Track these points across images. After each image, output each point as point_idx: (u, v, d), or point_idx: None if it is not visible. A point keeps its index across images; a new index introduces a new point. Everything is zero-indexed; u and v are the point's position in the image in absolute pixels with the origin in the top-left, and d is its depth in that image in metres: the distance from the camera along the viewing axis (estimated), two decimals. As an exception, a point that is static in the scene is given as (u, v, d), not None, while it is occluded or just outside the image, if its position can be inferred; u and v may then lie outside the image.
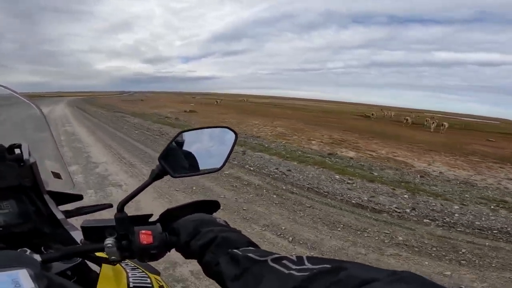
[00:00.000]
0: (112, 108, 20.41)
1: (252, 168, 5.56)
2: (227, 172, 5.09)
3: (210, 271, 0.44)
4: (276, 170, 5.57)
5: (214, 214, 0.58)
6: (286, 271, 0.33)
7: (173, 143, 0.58)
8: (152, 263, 0.68)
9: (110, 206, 0.74)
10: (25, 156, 0.61)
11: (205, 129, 0.66)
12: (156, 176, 0.54)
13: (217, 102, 35.12)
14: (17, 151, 0.63)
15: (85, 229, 0.53)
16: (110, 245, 0.50)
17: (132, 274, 0.70)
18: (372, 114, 26.62)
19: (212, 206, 0.61)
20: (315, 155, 7.70)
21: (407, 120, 22.91)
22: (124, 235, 0.51)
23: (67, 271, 0.59)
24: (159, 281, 0.73)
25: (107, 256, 0.52)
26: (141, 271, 0.73)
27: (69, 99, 38.32)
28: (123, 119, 13.01)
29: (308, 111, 32.86)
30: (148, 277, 0.71)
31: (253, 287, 0.35)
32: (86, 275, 0.64)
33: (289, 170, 5.67)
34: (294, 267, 0.34)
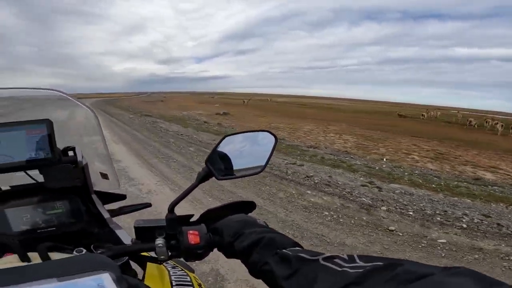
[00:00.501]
0: (137, 111, 18.57)
1: (458, 224, 3.20)
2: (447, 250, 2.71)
3: (258, 270, 0.43)
4: (482, 221, 3.24)
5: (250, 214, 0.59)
6: (339, 269, 0.33)
7: (219, 146, 0.58)
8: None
9: (149, 205, 0.78)
10: (79, 158, 0.64)
11: (247, 133, 0.65)
12: (203, 178, 0.54)
13: (244, 102, 32.79)
14: (70, 153, 0.67)
15: (137, 229, 0.53)
16: (160, 244, 0.50)
17: (173, 273, 0.70)
18: (423, 115, 23.54)
19: (248, 206, 0.62)
20: (458, 181, 5.28)
21: (470, 122, 19.92)
22: (172, 235, 0.52)
23: None
24: (197, 279, 0.74)
25: (152, 255, 0.53)
26: (180, 269, 0.74)
27: (91, 101, 37.34)
28: (158, 126, 10.95)
29: (342, 111, 30.00)
30: (188, 275, 0.72)
31: (307, 285, 0.35)
32: (128, 274, 0.59)
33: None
34: (346, 265, 0.33)
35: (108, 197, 0.73)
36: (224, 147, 0.59)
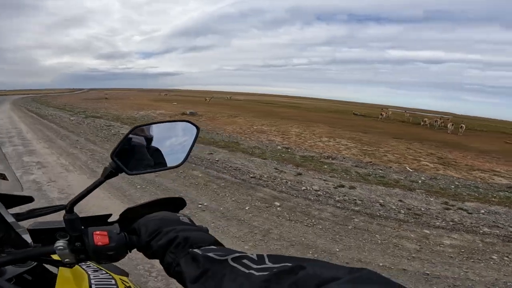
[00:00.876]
0: (79, 111, 14.96)
1: None
2: None
3: (171, 272, 0.41)
4: None
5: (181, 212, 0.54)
6: (246, 271, 0.32)
7: (128, 138, 0.53)
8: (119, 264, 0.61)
9: (65, 207, 0.66)
10: None
11: (163, 123, 0.61)
12: (110, 173, 0.50)
13: (206, 100, 30.35)
14: None
15: (32, 232, 0.51)
16: (61, 247, 0.47)
17: (94, 276, 0.66)
18: (381, 115, 25.00)
19: (177, 203, 0.58)
20: (499, 190, 4.85)
21: (425, 122, 21.88)
22: (77, 236, 0.48)
23: (24, 274, 0.57)
24: (126, 282, 0.70)
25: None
26: (104, 272, 0.69)
27: (14, 98, 29.99)
28: (119, 133, 8.52)
29: (308, 110, 30.25)
30: (113, 278, 0.67)
31: None
32: (46, 277, 0.60)
33: None
34: (254, 266, 0.32)
35: (12, 200, 0.64)
36: (137, 139, 0.54)
